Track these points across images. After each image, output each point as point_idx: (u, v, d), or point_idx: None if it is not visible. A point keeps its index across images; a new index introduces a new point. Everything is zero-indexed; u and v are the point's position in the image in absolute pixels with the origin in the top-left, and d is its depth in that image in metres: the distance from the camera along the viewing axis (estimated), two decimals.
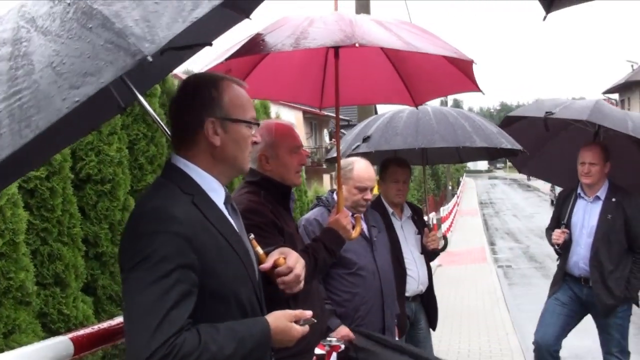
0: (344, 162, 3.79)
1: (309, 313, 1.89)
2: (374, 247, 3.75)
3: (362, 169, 3.70)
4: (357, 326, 3.54)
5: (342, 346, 3.23)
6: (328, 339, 3.17)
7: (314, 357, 3.06)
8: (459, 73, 3.36)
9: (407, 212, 4.47)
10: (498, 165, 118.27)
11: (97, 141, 5.34)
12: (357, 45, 2.46)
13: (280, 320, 1.79)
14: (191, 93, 1.84)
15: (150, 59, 1.25)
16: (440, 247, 4.53)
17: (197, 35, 2.29)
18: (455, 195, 34.49)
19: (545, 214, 29.67)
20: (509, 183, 67.09)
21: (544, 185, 43.57)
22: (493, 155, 5.10)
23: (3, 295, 4.07)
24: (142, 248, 1.60)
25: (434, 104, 4.71)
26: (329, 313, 3.46)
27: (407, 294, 4.25)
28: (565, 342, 7.55)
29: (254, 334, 1.70)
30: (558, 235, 4.60)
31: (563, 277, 4.70)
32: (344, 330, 3.45)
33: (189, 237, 1.63)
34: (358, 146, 4.42)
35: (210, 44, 2.44)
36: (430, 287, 4.48)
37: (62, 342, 1.80)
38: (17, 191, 4.32)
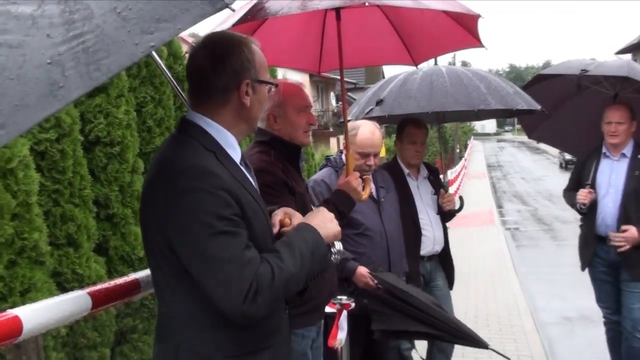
0: (350, 125, 3.78)
1: None
2: (381, 207, 3.77)
3: (365, 135, 3.68)
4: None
5: (353, 304, 3.28)
6: (339, 297, 3.22)
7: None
8: (461, 29, 3.31)
9: (424, 172, 4.45)
10: (506, 128, 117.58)
11: (105, 104, 5.33)
12: (366, 4, 2.42)
13: (315, 216, 1.93)
14: (225, 54, 1.83)
15: (233, 7, 1.25)
16: (456, 207, 4.47)
17: None
18: (463, 159, 34.39)
19: (554, 176, 29.65)
20: (518, 146, 66.81)
21: (553, 148, 43.32)
22: (513, 113, 4.94)
23: (18, 255, 4.13)
24: (191, 205, 1.63)
25: (442, 64, 4.61)
26: (342, 259, 3.50)
27: (422, 254, 4.25)
28: (573, 303, 7.63)
29: (306, 238, 1.81)
30: (585, 195, 4.53)
31: (593, 240, 4.63)
32: (361, 273, 3.51)
33: (229, 189, 1.68)
34: (372, 109, 4.38)
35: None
36: (446, 247, 4.48)
37: (81, 296, 1.83)
38: (29, 153, 4.34)
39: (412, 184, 4.35)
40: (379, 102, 4.33)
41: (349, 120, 4.47)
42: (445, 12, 3.08)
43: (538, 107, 4.25)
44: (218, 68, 1.82)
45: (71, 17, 1.27)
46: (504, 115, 5.25)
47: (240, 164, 1.89)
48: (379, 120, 4.68)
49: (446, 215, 4.44)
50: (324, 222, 1.90)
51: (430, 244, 4.30)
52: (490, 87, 4.17)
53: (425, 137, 4.38)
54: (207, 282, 1.64)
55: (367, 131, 3.71)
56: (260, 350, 1.81)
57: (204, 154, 1.74)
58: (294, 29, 3.40)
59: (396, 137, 4.44)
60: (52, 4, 1.30)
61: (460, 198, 4.49)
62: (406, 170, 4.35)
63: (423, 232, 4.25)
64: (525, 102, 4.20)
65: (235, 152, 1.87)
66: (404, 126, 4.34)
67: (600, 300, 4.85)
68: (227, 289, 1.61)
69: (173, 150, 1.79)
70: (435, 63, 4.51)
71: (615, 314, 4.72)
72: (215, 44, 1.86)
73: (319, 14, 3.36)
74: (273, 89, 1.95)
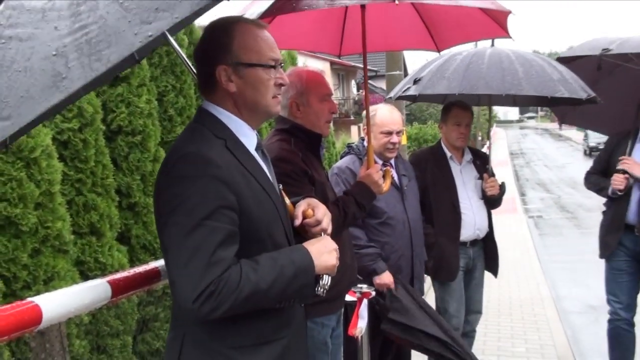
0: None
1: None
2: (404, 196, 3.75)
3: (385, 114, 3.73)
4: None
5: (373, 293, 3.26)
6: (359, 285, 3.21)
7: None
8: (488, 19, 3.26)
9: (468, 156, 4.37)
10: (529, 115, 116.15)
11: (127, 93, 5.35)
12: (396, 2, 2.38)
13: (315, 243, 1.83)
14: (205, 41, 1.82)
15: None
16: (497, 193, 4.28)
17: None
18: (485, 146, 34.08)
19: (578, 163, 29.28)
20: (541, 133, 66.09)
21: (576, 135, 42.82)
22: (574, 101, 4.63)
23: (42, 244, 4.18)
24: (181, 192, 1.61)
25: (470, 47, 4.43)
26: (375, 256, 3.51)
27: (462, 239, 4.19)
28: (597, 291, 7.54)
29: (294, 260, 1.73)
30: (620, 180, 4.34)
31: (621, 227, 4.46)
32: (387, 277, 3.50)
33: (226, 179, 1.64)
34: (408, 88, 4.33)
35: None
36: (490, 234, 4.40)
37: (100, 285, 1.84)
38: (51, 142, 4.38)
39: (455, 167, 4.29)
40: (416, 81, 4.27)
41: (389, 97, 4.43)
42: None
43: (584, 95, 3.96)
44: (200, 55, 1.83)
45: (78, 9, 1.29)
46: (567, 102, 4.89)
47: (257, 151, 1.88)
48: (429, 99, 4.71)
49: (491, 201, 4.33)
50: (322, 251, 1.81)
51: (470, 228, 4.23)
52: (530, 72, 3.96)
53: (470, 119, 4.30)
54: (172, 270, 1.63)
55: (385, 110, 3.76)
56: (268, 342, 1.79)
57: (211, 142, 1.72)
58: (316, 11, 3.37)
59: (441, 120, 4.41)
60: None
61: (502, 184, 4.37)
62: (449, 154, 4.30)
63: (463, 217, 4.18)
64: (570, 90, 3.92)
65: (248, 140, 1.84)
66: (449, 108, 4.29)
67: (612, 293, 4.64)
68: (185, 283, 1.57)
69: (182, 138, 1.79)
70: (492, 45, 4.28)
71: (627, 310, 4.57)
72: (204, 32, 1.85)
73: None
74: (273, 71, 1.83)
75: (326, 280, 1.85)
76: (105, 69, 1.21)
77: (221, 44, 1.78)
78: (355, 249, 3.29)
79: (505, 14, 3.04)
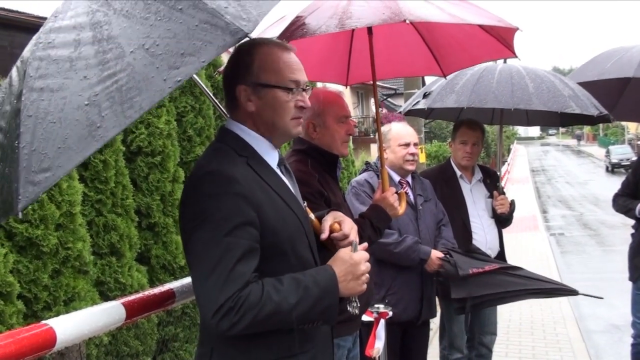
0: (382, 128, 3.81)
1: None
2: (418, 215, 3.73)
3: (399, 127, 3.81)
4: (392, 294, 3.55)
5: (390, 313, 3.24)
6: (376, 305, 3.19)
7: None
8: (493, 40, 3.24)
9: (478, 175, 4.35)
10: (550, 132, 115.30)
11: (146, 114, 5.42)
12: (407, 21, 2.39)
13: (342, 265, 1.78)
14: (230, 61, 1.87)
15: (251, 36, 1.29)
16: (508, 211, 4.26)
17: None
18: (506, 163, 33.89)
19: (600, 180, 28.99)
20: (562, 150, 65.55)
21: (598, 151, 42.36)
22: (586, 118, 4.43)
23: (62, 264, 4.22)
24: (205, 209, 1.65)
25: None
26: (415, 245, 3.57)
27: None
28: (621, 310, 7.43)
29: (318, 281, 1.71)
30: None
31: None
32: (435, 259, 3.59)
33: (247, 196, 1.67)
34: (418, 102, 4.33)
35: None
36: (501, 253, 4.36)
37: (114, 307, 1.86)
38: None
39: (465, 186, 4.26)
40: (426, 95, 4.28)
41: (399, 112, 4.47)
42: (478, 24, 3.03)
43: (595, 112, 3.95)
44: (226, 75, 1.87)
45: (104, 57, 1.33)
46: (588, 122, 4.74)
47: (279, 167, 1.90)
48: (425, 116, 4.76)
49: (502, 219, 4.29)
50: (348, 276, 1.78)
51: (481, 248, 4.14)
52: (541, 87, 3.95)
53: (479, 138, 4.26)
54: (195, 285, 1.66)
55: (398, 125, 3.84)
56: (292, 356, 1.80)
57: (234, 160, 1.76)
58: (321, 42, 3.38)
59: (451, 138, 4.42)
60: (87, 44, 1.38)
61: (512, 202, 4.33)
62: (459, 173, 4.27)
63: (474, 235, 4.15)
64: (581, 106, 3.91)
65: (270, 157, 1.87)
66: (458, 126, 4.29)
67: (638, 315, 4.62)
68: (205, 297, 1.61)
69: (205, 157, 1.83)
70: (504, 61, 4.26)
71: None
72: (232, 52, 1.89)
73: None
74: (296, 92, 1.85)
75: (354, 298, 1.86)
76: (137, 115, 1.26)
77: (244, 64, 1.83)
78: (391, 248, 3.45)
79: (512, 30, 3.02)
